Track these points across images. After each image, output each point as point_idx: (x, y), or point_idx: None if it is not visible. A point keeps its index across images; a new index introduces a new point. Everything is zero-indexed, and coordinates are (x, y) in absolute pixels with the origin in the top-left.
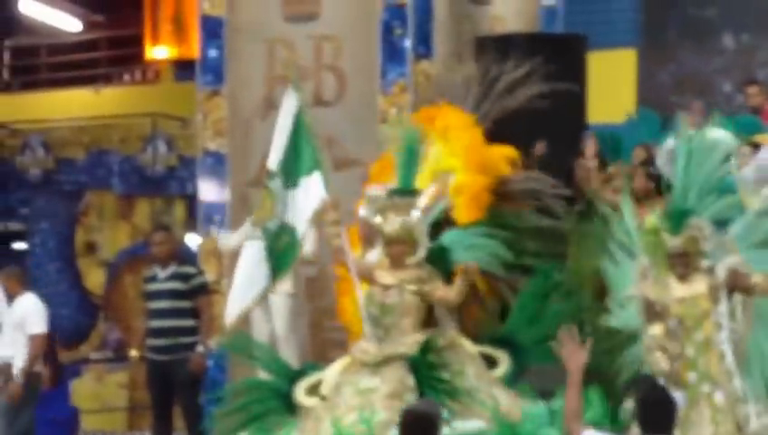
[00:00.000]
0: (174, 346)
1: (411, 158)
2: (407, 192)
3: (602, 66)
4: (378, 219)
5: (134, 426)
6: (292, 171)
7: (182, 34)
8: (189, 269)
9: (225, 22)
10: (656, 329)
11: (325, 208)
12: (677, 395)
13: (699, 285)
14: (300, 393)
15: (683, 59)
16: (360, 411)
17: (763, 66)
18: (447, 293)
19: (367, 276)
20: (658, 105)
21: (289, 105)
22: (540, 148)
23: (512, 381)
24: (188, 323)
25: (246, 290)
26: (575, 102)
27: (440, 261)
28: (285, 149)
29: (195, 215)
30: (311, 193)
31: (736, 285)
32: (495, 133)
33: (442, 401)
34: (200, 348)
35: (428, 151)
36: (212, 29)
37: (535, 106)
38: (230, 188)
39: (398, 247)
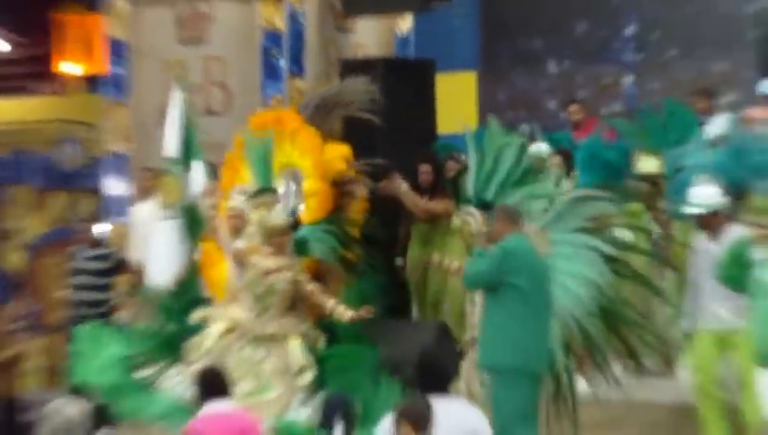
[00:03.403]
0: (91, 315)
1: (267, 161)
2: (269, 190)
3: (448, 86)
4: (259, 213)
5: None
6: (185, 158)
7: (90, 53)
8: (106, 250)
9: (129, 44)
10: None
11: (205, 193)
12: None
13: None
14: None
15: (515, 81)
16: (254, 383)
17: (581, 88)
18: (313, 288)
19: (242, 258)
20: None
21: (176, 104)
22: (395, 178)
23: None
24: (104, 296)
25: (171, 263)
26: (426, 116)
27: (299, 251)
28: (178, 139)
29: (101, 207)
30: (195, 179)
31: None
32: (357, 144)
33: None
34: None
35: (277, 150)
36: (117, 50)
37: (394, 120)
38: (132, 183)
39: (283, 238)
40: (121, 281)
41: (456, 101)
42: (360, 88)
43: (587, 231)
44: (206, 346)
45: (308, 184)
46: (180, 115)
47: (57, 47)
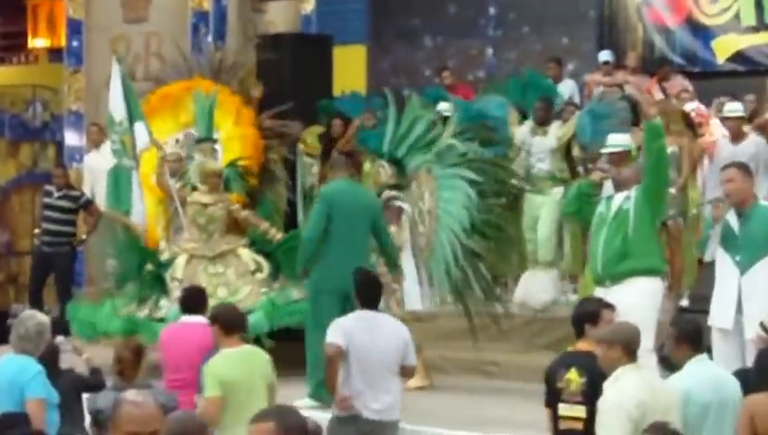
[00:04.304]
0: (57, 243)
1: (210, 117)
2: (209, 139)
3: (343, 57)
4: (199, 159)
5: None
6: (129, 118)
7: (54, 30)
8: (77, 192)
9: (84, 22)
10: None
11: (148, 149)
12: None
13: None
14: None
15: (397, 53)
16: (226, 290)
17: (451, 58)
18: (246, 214)
19: (182, 198)
20: (382, 85)
21: (116, 75)
22: (257, 91)
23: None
24: (70, 229)
25: (141, 204)
26: (325, 81)
27: (227, 187)
28: (122, 103)
29: (62, 154)
30: (139, 137)
31: None
32: (272, 101)
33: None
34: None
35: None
36: (75, 27)
37: (300, 83)
38: (86, 136)
39: (217, 179)
40: (83, 217)
41: (350, 69)
42: (236, 54)
43: (460, 164)
44: (178, 276)
45: (228, 132)
46: (121, 84)
47: (30, 27)
